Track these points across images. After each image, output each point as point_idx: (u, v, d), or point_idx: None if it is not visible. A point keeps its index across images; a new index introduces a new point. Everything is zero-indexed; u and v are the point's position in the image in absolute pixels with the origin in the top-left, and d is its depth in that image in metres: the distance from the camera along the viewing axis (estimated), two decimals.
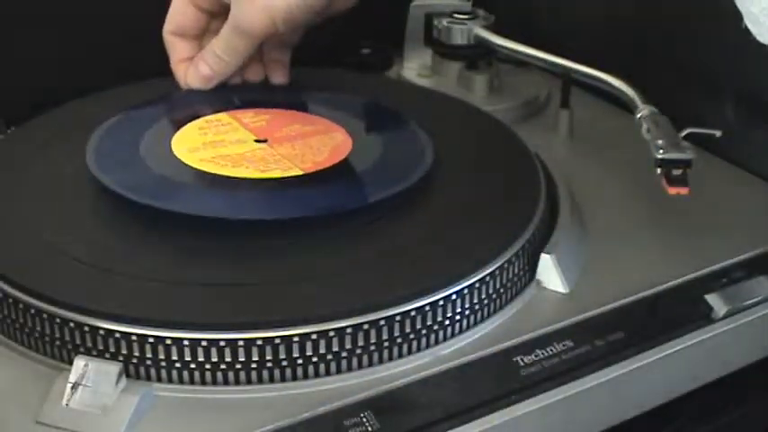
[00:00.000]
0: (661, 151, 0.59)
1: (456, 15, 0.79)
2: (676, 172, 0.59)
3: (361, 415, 0.49)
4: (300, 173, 0.61)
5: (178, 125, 0.66)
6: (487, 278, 0.55)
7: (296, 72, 0.76)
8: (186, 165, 0.61)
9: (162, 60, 0.73)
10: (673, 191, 0.59)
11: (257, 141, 0.64)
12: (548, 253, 0.58)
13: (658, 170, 0.59)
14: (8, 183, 0.62)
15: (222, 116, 0.67)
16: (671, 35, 0.74)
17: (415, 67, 0.82)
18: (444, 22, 0.79)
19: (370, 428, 0.48)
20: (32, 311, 0.52)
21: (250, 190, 0.59)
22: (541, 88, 0.80)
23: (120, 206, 0.58)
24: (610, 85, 0.70)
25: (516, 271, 0.56)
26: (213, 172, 0.60)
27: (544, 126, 0.76)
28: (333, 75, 0.78)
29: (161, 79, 0.73)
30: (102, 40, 0.78)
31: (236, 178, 0.60)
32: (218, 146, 0.63)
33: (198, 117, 0.67)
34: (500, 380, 0.51)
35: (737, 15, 0.52)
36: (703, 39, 0.71)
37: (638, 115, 0.64)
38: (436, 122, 0.67)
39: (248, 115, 0.67)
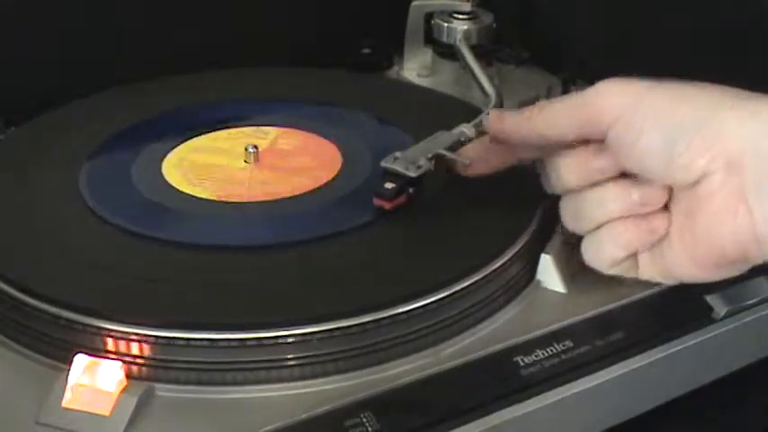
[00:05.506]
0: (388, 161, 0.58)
1: (456, 15, 0.79)
2: (389, 185, 0.57)
3: (361, 415, 0.49)
4: (271, 199, 0.60)
5: (174, 143, 0.66)
6: (488, 278, 0.55)
7: (296, 74, 0.76)
8: (172, 188, 0.61)
9: (161, 61, 0.73)
10: (377, 201, 0.57)
11: (246, 162, 0.64)
12: (547, 253, 0.58)
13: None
14: (8, 183, 0.62)
15: (221, 133, 0.67)
16: (671, 35, 0.74)
17: (414, 67, 0.82)
18: (444, 21, 0.79)
19: (370, 428, 0.48)
20: (32, 311, 0.52)
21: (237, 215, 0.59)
22: (541, 88, 0.80)
23: None
24: None
25: (516, 271, 0.56)
26: (198, 196, 0.60)
27: None
28: (333, 75, 0.78)
29: (160, 80, 0.73)
30: (102, 40, 0.78)
31: (217, 202, 0.60)
32: (207, 167, 0.63)
33: (194, 135, 0.67)
34: (500, 380, 0.51)
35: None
36: (704, 38, 0.71)
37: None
38: (436, 123, 0.67)
39: (246, 133, 0.67)
